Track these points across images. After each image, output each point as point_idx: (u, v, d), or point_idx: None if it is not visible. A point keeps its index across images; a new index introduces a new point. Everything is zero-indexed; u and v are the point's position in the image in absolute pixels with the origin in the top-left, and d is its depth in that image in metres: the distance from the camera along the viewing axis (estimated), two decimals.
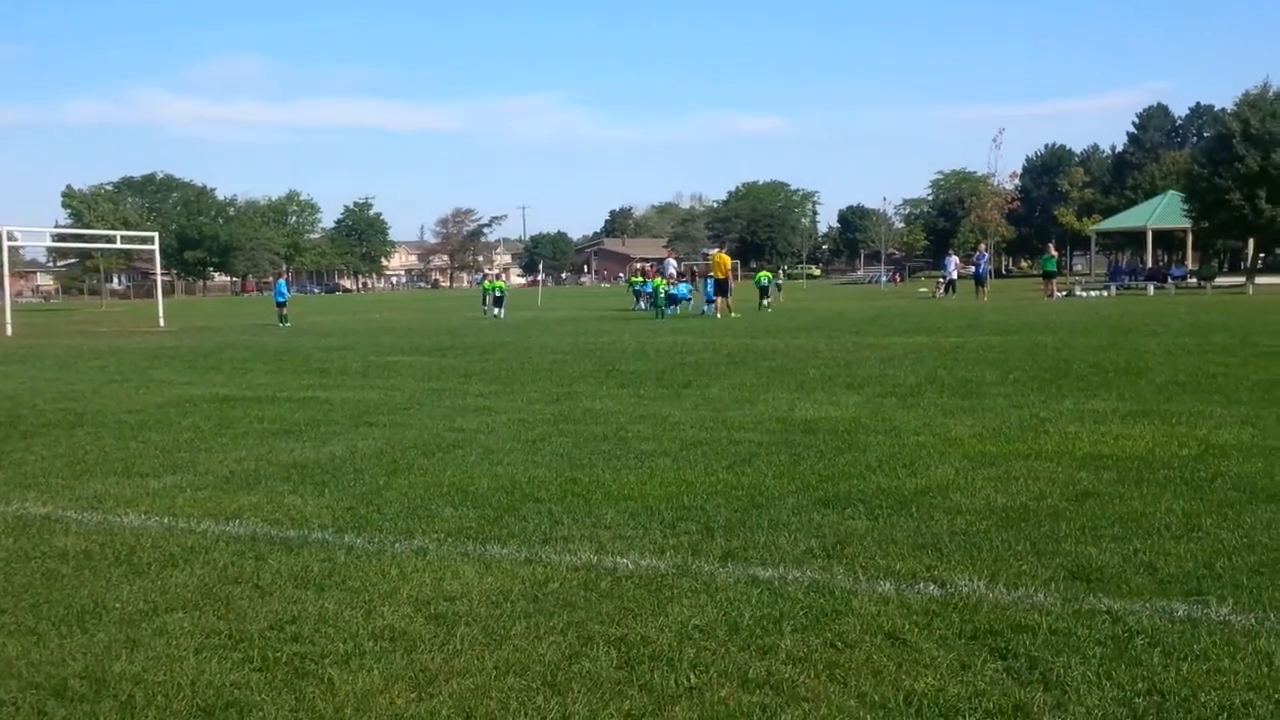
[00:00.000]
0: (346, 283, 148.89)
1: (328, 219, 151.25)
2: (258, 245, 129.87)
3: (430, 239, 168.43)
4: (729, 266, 33.55)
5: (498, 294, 39.24)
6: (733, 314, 31.94)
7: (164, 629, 4.50)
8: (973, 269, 47.17)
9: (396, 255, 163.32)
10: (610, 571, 5.14)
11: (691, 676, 3.87)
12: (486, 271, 66.67)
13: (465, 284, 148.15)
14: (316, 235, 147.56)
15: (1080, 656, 3.94)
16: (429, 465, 8.01)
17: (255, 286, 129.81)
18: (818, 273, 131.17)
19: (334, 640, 4.32)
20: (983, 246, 56.99)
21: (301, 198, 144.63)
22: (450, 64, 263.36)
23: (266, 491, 7.22)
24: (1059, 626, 4.23)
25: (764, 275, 43.40)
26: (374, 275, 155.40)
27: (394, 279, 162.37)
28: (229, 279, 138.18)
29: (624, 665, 4.00)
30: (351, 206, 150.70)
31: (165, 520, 6.45)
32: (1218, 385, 11.36)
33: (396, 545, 5.74)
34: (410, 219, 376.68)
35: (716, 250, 34.91)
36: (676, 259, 46.89)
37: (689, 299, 37.45)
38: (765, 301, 39.33)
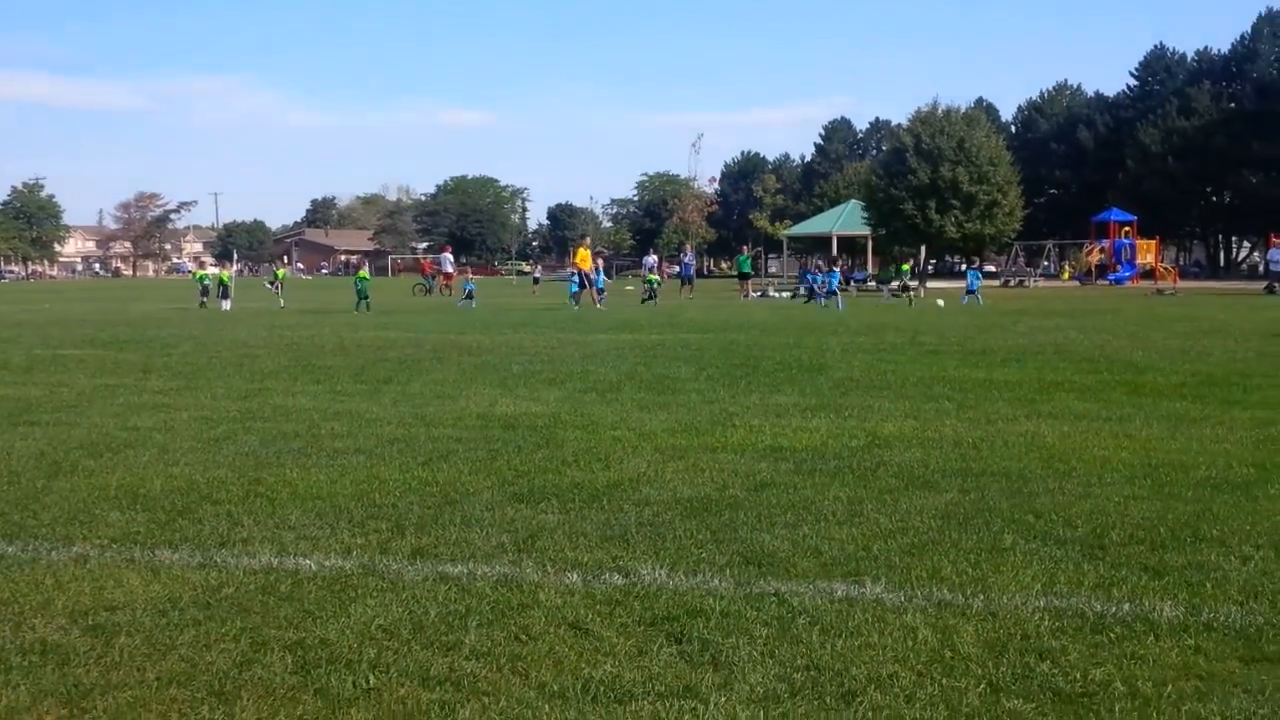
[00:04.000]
0: (15, 269, 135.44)
1: None
2: None
3: (111, 224, 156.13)
4: (588, 260, 35.84)
5: (224, 284, 36.91)
6: (577, 306, 33.17)
7: None
8: (678, 268, 49.04)
9: (72, 241, 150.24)
10: (291, 574, 4.95)
11: (370, 677, 3.78)
12: (204, 260, 62.39)
13: (150, 273, 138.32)
14: None
15: (748, 637, 4.16)
16: (96, 467, 7.42)
17: None
18: (528, 269, 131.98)
19: None
20: (689, 247, 59.17)
21: None
22: (123, 40, 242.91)
23: None
24: (731, 610, 4.45)
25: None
26: (46, 262, 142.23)
27: (71, 266, 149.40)
28: None
29: (299, 670, 3.86)
30: (20, 188, 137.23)
31: None
32: (887, 381, 12.32)
33: (53, 553, 5.29)
34: (88, 203, 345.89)
35: (579, 246, 37.07)
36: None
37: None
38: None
